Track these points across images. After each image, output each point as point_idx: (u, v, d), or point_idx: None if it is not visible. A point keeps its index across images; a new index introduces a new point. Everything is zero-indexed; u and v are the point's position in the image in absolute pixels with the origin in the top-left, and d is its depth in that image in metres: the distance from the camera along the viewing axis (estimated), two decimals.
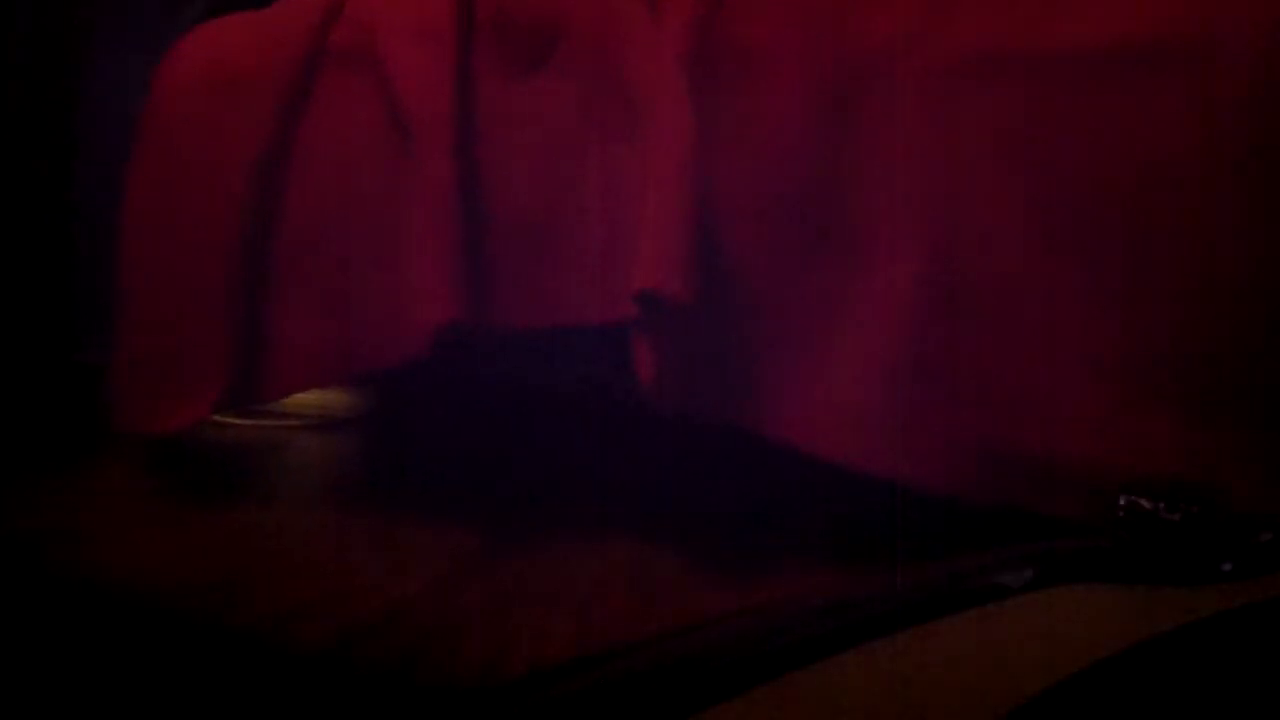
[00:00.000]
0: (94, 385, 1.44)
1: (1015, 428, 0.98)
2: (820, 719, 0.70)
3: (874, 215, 1.07)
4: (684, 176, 1.09)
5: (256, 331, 1.33)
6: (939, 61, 1.07)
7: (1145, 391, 0.93)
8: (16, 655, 0.91)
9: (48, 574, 1.11)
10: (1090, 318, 0.97)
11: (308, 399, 1.75)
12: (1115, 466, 0.89)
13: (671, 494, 1.39)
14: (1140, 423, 0.92)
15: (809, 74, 1.12)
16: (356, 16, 1.36)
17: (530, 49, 1.25)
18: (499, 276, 1.21)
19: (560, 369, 1.62)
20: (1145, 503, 0.79)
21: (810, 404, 1.08)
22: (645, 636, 0.82)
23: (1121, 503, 0.80)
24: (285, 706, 0.86)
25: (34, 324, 1.80)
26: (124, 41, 1.77)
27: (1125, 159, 0.99)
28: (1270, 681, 0.74)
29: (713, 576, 1.09)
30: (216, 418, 1.53)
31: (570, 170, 1.20)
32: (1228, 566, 0.78)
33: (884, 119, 1.08)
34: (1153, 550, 0.79)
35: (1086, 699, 0.71)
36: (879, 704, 0.71)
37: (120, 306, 1.43)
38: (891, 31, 1.10)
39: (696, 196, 1.08)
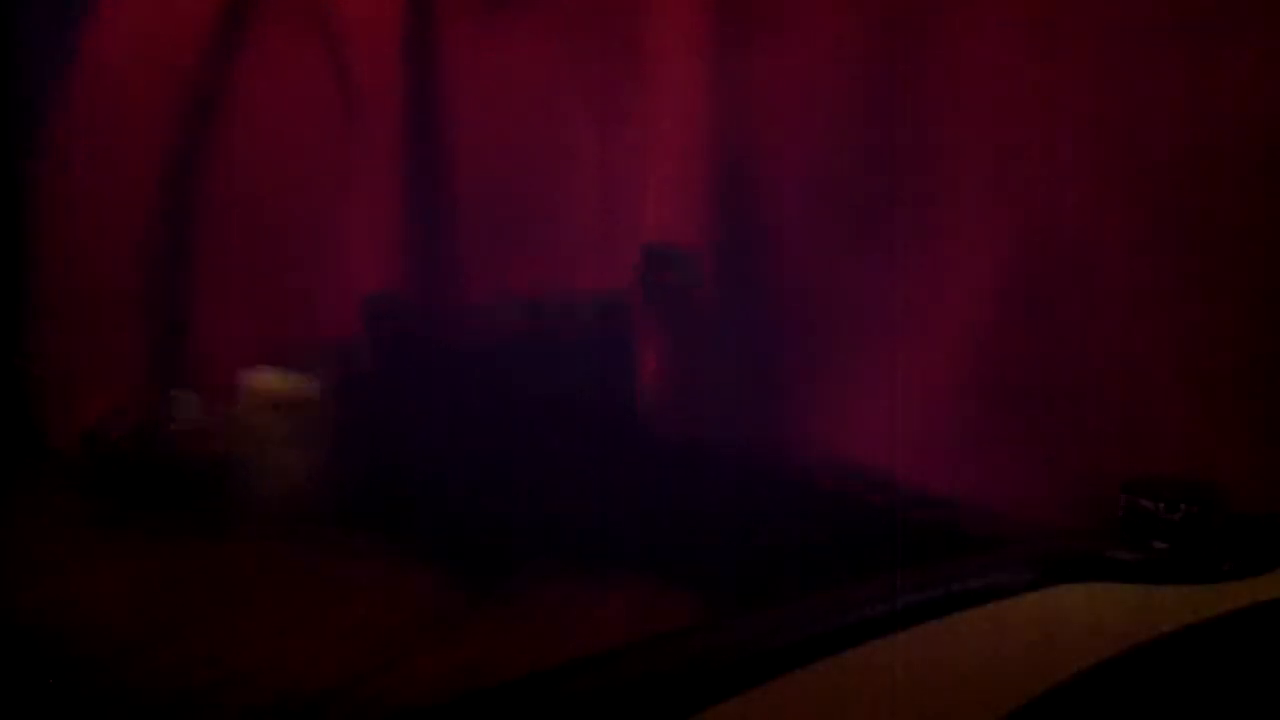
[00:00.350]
0: (36, 391, 1.36)
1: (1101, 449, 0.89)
2: (820, 719, 0.70)
3: (933, 197, 0.90)
4: (698, 139, 0.91)
5: (178, 313, 1.22)
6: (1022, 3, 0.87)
7: (1154, 392, 0.92)
8: None
9: None
10: (1137, 317, 0.88)
11: (271, 383, 1.66)
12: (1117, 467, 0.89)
13: (671, 491, 1.37)
14: (1147, 424, 0.91)
15: (853, 13, 0.93)
16: None
17: None
18: (459, 245, 1.05)
19: (552, 378, 1.57)
20: (1145, 503, 0.79)
21: (852, 426, 0.94)
22: (644, 637, 0.82)
23: (1121, 502, 0.80)
24: None
25: None
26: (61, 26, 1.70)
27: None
28: (1271, 681, 0.74)
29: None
30: (173, 426, 1.47)
31: (555, 128, 1.03)
32: (1228, 566, 0.79)
33: (951, 71, 0.89)
34: (1153, 550, 0.79)
35: (1087, 699, 0.72)
36: (879, 704, 0.71)
37: (40, 295, 1.31)
38: None
39: (714, 165, 0.91)
